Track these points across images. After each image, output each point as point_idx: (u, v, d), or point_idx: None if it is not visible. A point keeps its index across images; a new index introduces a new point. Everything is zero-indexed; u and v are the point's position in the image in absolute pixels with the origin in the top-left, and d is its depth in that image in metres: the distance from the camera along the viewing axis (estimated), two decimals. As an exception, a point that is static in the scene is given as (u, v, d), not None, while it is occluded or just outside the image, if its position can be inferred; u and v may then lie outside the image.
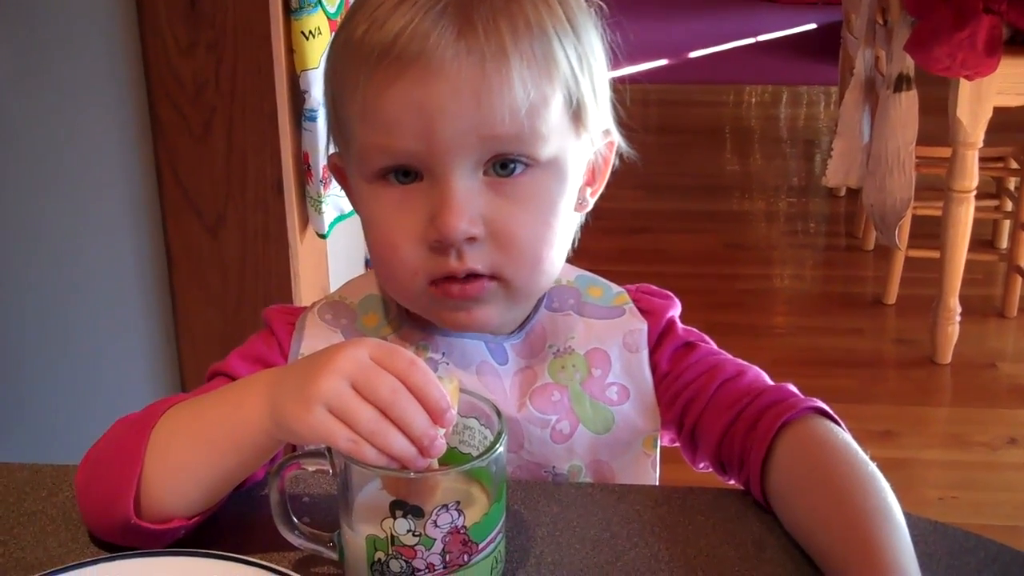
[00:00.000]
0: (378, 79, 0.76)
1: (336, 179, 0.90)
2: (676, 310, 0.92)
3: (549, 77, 0.78)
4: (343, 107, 0.81)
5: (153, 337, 1.77)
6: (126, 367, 1.79)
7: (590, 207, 0.89)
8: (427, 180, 0.78)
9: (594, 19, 0.84)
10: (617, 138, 0.88)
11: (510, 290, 0.82)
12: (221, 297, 1.73)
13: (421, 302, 0.83)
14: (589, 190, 0.88)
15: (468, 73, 0.75)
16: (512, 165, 0.79)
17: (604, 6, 0.86)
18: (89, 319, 1.77)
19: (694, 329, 0.92)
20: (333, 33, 1.67)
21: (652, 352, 0.89)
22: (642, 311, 0.90)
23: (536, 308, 0.89)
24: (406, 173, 0.79)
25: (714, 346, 0.91)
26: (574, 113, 0.81)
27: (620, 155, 0.90)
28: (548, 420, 0.86)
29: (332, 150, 0.88)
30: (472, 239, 0.78)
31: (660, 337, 0.90)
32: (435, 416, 0.68)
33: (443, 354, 0.86)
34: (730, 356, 0.90)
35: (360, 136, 0.80)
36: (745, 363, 0.89)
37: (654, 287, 0.94)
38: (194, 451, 0.75)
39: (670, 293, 0.93)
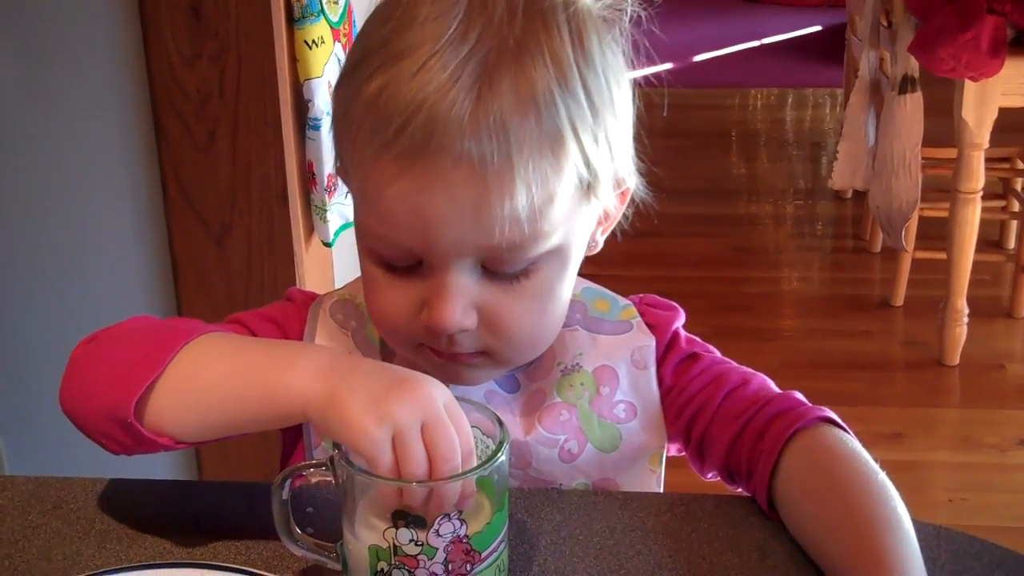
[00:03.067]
0: (380, 169, 0.73)
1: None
2: (680, 321, 0.91)
3: (558, 169, 0.74)
4: (348, 160, 0.79)
5: (160, 347, 1.77)
6: (133, 377, 1.79)
7: (600, 248, 0.87)
8: (424, 267, 0.77)
9: (622, 57, 0.80)
10: (633, 181, 0.84)
11: (501, 363, 0.82)
12: (227, 306, 1.72)
13: (413, 357, 0.82)
14: (599, 229, 0.86)
15: (469, 183, 0.71)
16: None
17: (635, 16, 0.81)
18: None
19: (697, 338, 0.91)
20: (343, 55, 1.69)
21: (658, 366, 0.88)
22: (649, 325, 0.89)
23: None
24: (404, 262, 0.78)
25: (718, 355, 0.90)
26: (585, 190, 0.77)
27: (635, 202, 0.87)
28: (557, 440, 0.86)
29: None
30: (464, 329, 0.77)
31: (665, 350, 0.89)
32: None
33: None
34: (735, 364, 0.89)
35: (361, 211, 0.78)
36: (750, 371, 0.88)
37: (658, 298, 0.92)
38: (218, 387, 0.74)
39: (674, 304, 0.92)
